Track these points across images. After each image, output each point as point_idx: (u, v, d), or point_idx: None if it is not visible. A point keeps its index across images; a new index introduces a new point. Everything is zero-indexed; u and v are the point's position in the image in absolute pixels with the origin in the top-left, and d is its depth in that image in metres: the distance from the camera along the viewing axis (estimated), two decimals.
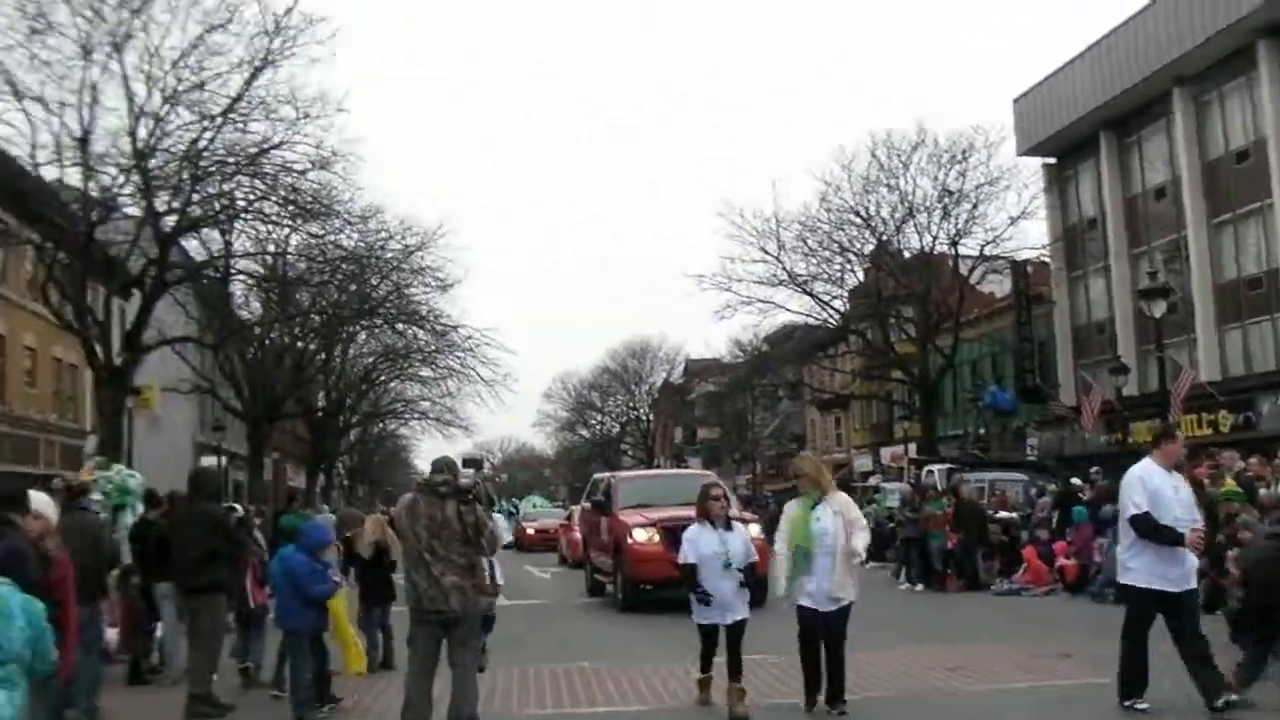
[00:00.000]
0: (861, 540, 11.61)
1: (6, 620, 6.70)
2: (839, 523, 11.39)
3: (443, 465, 10.77)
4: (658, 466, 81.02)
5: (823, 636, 11.57)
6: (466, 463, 13.22)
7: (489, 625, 10.75)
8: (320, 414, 61.37)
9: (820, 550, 11.31)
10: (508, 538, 17.75)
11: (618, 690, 13.82)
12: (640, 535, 23.23)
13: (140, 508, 16.52)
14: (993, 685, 13.23)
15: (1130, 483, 11.08)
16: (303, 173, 32.41)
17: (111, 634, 15.93)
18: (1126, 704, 11.06)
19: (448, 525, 10.25)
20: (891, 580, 28.76)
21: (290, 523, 16.21)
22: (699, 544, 11.88)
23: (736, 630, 11.85)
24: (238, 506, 18.06)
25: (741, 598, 11.85)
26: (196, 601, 13.13)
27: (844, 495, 12.15)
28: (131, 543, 15.76)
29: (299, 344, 49.48)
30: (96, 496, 16.20)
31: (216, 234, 38.13)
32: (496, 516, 17.66)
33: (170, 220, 32.09)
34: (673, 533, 19.39)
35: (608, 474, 33.53)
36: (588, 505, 29.29)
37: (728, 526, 12.02)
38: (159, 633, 15.43)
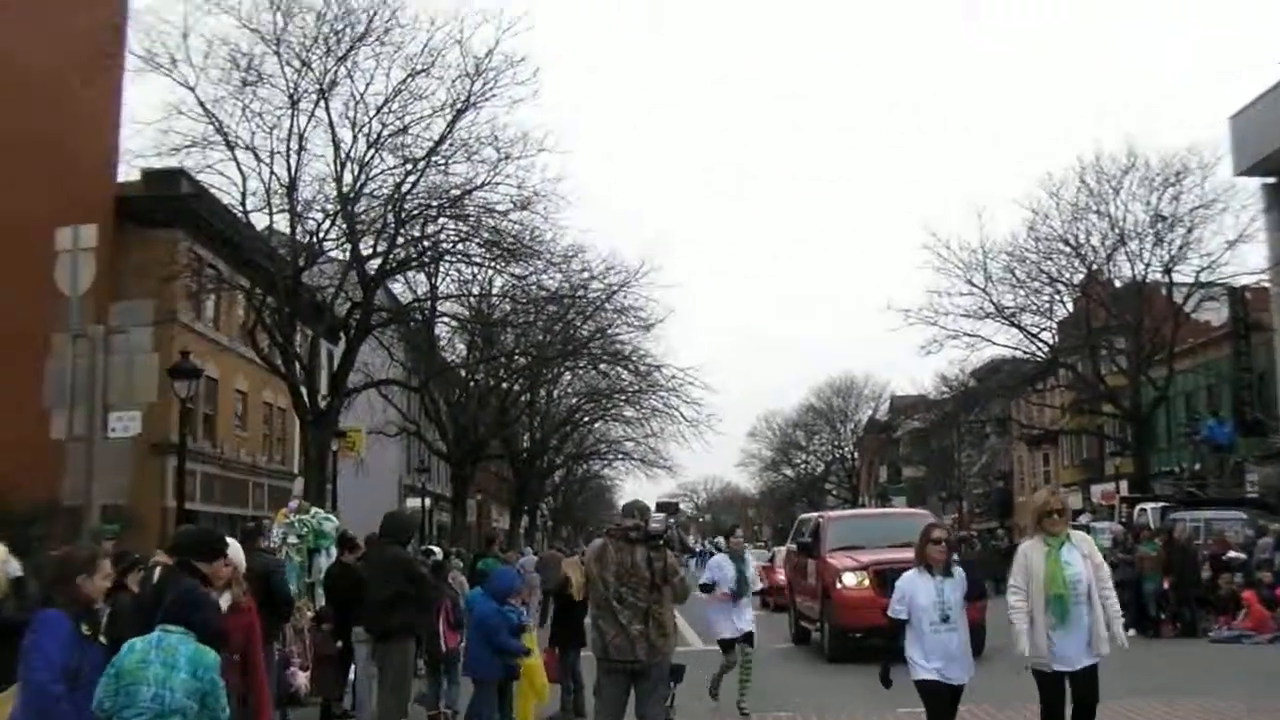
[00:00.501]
0: (1113, 598, 10.05)
1: (171, 670, 6.60)
2: (1089, 568, 9.82)
3: (633, 510, 10.54)
4: (862, 506, 79.91)
5: (1072, 699, 9.89)
6: (661, 507, 12.80)
7: (678, 675, 10.41)
8: (524, 455, 61.84)
9: (1075, 600, 9.68)
10: (759, 583, 17.26)
11: None
12: (850, 580, 21.79)
13: (334, 551, 16.59)
14: None
15: None
16: (505, 214, 32.71)
17: (302, 677, 16.03)
18: None
19: (636, 571, 10.00)
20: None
21: (488, 566, 16.08)
22: (915, 594, 10.11)
23: (957, 694, 10.29)
24: (435, 550, 18.08)
25: (968, 653, 10.26)
26: (385, 645, 13.09)
27: (1086, 536, 10.65)
28: (325, 586, 15.85)
29: (503, 385, 49.92)
30: (292, 540, 16.35)
31: (421, 277, 38.77)
32: (748, 558, 17.34)
33: (374, 264, 32.66)
34: (885, 577, 18.96)
35: (815, 514, 32.02)
36: (793, 547, 28.02)
37: (947, 573, 10.20)
38: (352, 675, 15.44)
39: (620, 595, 9.97)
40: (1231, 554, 27.67)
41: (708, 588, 16.22)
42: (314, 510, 17.58)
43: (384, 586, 12.98)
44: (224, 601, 8.22)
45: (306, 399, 31.34)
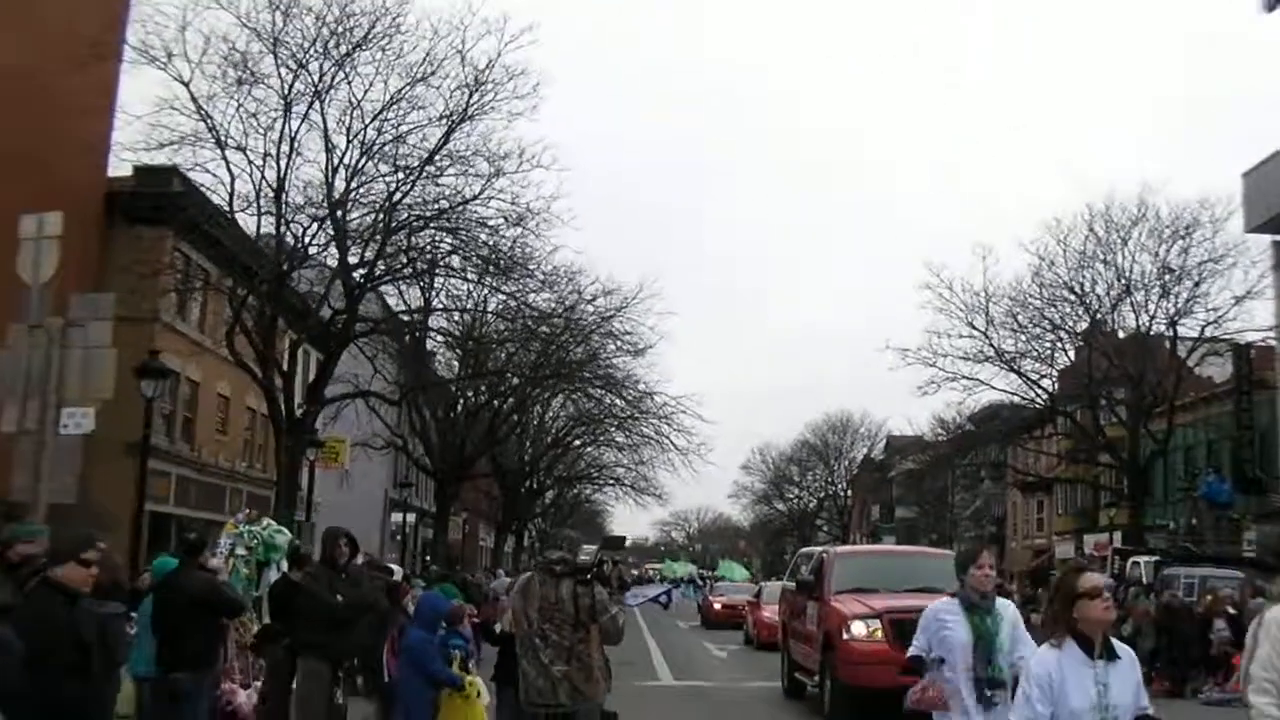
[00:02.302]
0: None
1: None
2: None
3: (561, 541, 9.83)
4: (853, 543, 78.89)
5: None
6: (609, 542, 12.08)
7: None
8: (513, 475, 61.19)
9: None
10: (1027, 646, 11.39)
11: None
12: (859, 629, 18.02)
13: (285, 565, 15.76)
14: None
15: None
16: (496, 229, 32.13)
17: (243, 695, 15.21)
18: None
19: (561, 607, 9.22)
20: None
21: (447, 591, 14.84)
22: (1064, 687, 6.23)
23: None
24: (395, 568, 17.08)
25: None
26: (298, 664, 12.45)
27: None
28: (271, 601, 15.02)
29: (494, 402, 49.30)
30: (241, 551, 15.62)
31: (416, 291, 38.20)
32: (1008, 614, 10.11)
33: (361, 272, 32.05)
34: (902, 627, 15.99)
35: (819, 548, 27.78)
36: (790, 585, 24.33)
37: (1111, 653, 6.39)
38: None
39: (544, 633, 9.21)
40: (1219, 624, 26.70)
41: (917, 664, 9.07)
42: (266, 521, 16.82)
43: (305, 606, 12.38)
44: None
45: (283, 405, 30.65)
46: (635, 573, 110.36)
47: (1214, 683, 24.57)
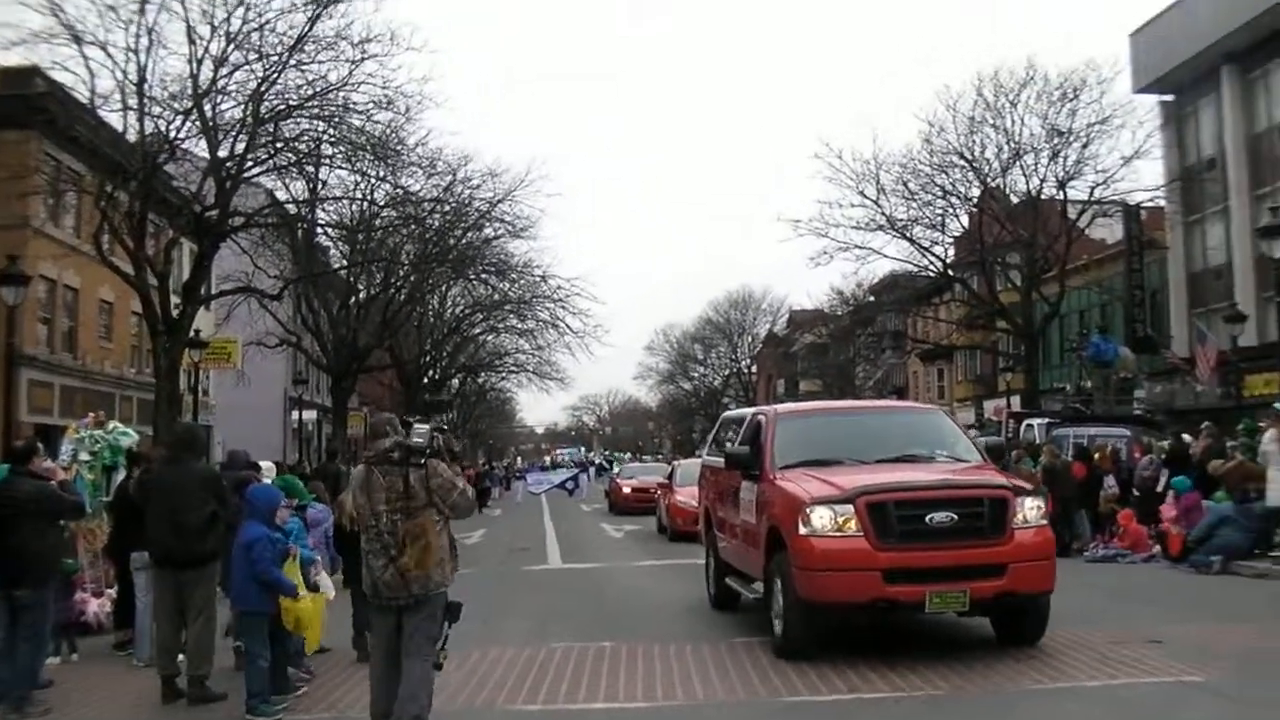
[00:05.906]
0: None
1: None
2: None
3: (386, 426, 9.18)
4: None
5: None
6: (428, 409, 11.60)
7: (454, 614, 9.15)
8: (414, 366, 60.70)
9: None
10: None
11: (633, 679, 11.82)
12: (821, 519, 12.36)
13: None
14: (1060, 684, 11.07)
15: None
16: (366, 114, 31.39)
17: (95, 604, 14.86)
18: None
19: (413, 495, 8.81)
20: None
21: (286, 483, 13.93)
22: None
23: None
24: (262, 465, 16.30)
25: None
26: (197, 572, 11.61)
27: None
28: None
29: (390, 291, 48.74)
30: (84, 456, 15.15)
31: (302, 184, 37.46)
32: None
33: (233, 165, 31.26)
34: (883, 514, 12.21)
35: (752, 409, 19.41)
36: (715, 461, 17.22)
37: None
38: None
39: (394, 525, 8.83)
40: (1108, 481, 26.92)
41: None
42: (112, 424, 16.29)
43: (194, 507, 11.59)
44: None
45: (158, 307, 29.83)
46: (548, 459, 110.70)
47: (1100, 540, 24.69)
